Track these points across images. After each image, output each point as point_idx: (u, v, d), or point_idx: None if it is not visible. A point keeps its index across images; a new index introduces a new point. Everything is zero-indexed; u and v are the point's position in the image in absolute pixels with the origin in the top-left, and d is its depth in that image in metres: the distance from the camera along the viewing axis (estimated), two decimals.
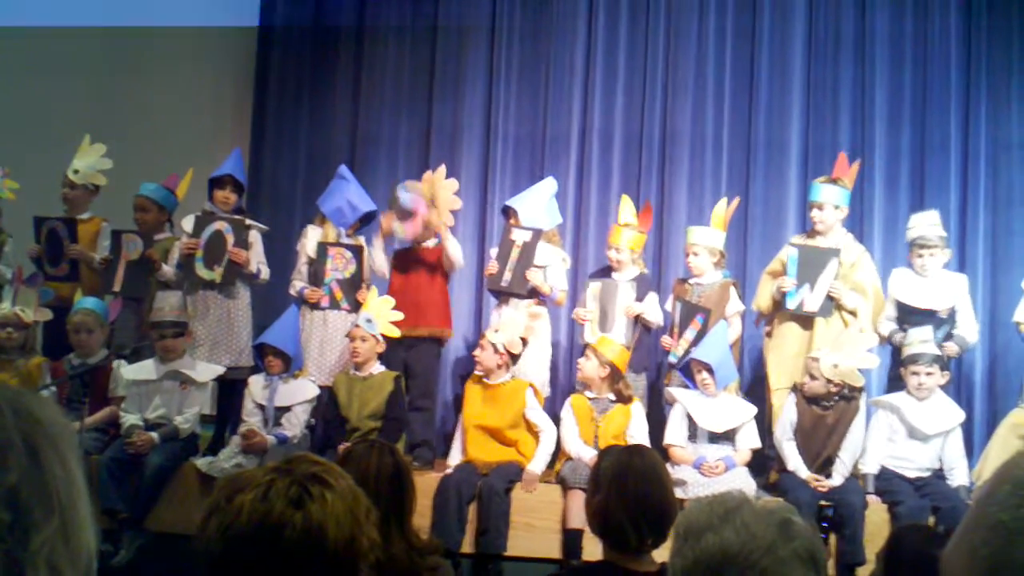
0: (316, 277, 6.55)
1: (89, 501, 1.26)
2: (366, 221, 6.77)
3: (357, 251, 6.56)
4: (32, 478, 1.18)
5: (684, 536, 1.69)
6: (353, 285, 6.53)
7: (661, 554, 2.43)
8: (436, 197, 6.49)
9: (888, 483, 5.68)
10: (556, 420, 6.03)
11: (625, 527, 2.84)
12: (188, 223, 6.61)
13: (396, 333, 6.17)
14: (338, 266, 6.53)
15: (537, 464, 5.87)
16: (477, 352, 6.09)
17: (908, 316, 6.14)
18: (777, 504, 1.71)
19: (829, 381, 5.71)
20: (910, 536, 3.08)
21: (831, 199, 6.15)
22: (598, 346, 5.96)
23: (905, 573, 2.83)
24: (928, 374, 5.76)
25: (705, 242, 6.34)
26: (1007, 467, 1.03)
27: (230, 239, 6.48)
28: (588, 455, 5.70)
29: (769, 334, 6.38)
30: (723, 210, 6.46)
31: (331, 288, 6.52)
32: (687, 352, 6.08)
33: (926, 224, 6.20)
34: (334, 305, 6.52)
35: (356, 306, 6.50)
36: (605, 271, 6.62)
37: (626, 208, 6.58)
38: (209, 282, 6.45)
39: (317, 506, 1.53)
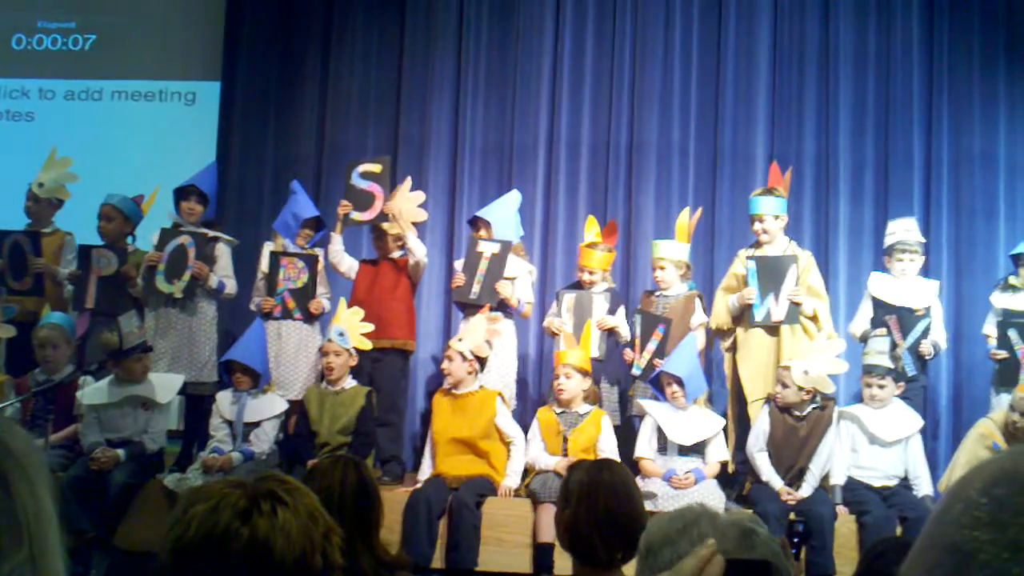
0: (269, 287, 6.51)
1: (60, 530, 1.24)
2: (318, 229, 6.73)
3: (310, 261, 6.52)
4: (1, 506, 1.17)
5: (645, 553, 1.71)
6: (306, 295, 6.49)
7: (632, 569, 2.46)
8: (400, 210, 6.47)
9: (855, 493, 5.72)
10: (525, 431, 6.04)
11: (595, 542, 2.83)
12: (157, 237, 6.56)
13: (368, 345, 6.15)
14: (290, 275, 6.49)
15: (512, 480, 5.86)
16: (445, 364, 6.06)
17: (894, 315, 6.24)
18: (739, 515, 1.71)
19: (801, 388, 5.75)
20: (886, 552, 3.07)
21: (770, 210, 6.27)
22: (568, 360, 5.95)
23: None
24: (880, 386, 5.87)
25: (672, 256, 6.37)
26: (961, 485, 1.01)
27: (192, 253, 6.42)
28: (552, 462, 5.76)
29: (729, 349, 6.41)
30: (686, 221, 6.48)
31: (283, 298, 6.47)
32: (650, 363, 6.10)
33: (904, 229, 6.37)
34: (286, 315, 6.47)
35: (308, 316, 6.49)
36: (577, 284, 6.60)
37: (592, 228, 6.59)
38: (168, 296, 6.39)
39: (265, 520, 1.53)
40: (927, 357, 6.23)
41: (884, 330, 6.15)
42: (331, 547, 1.60)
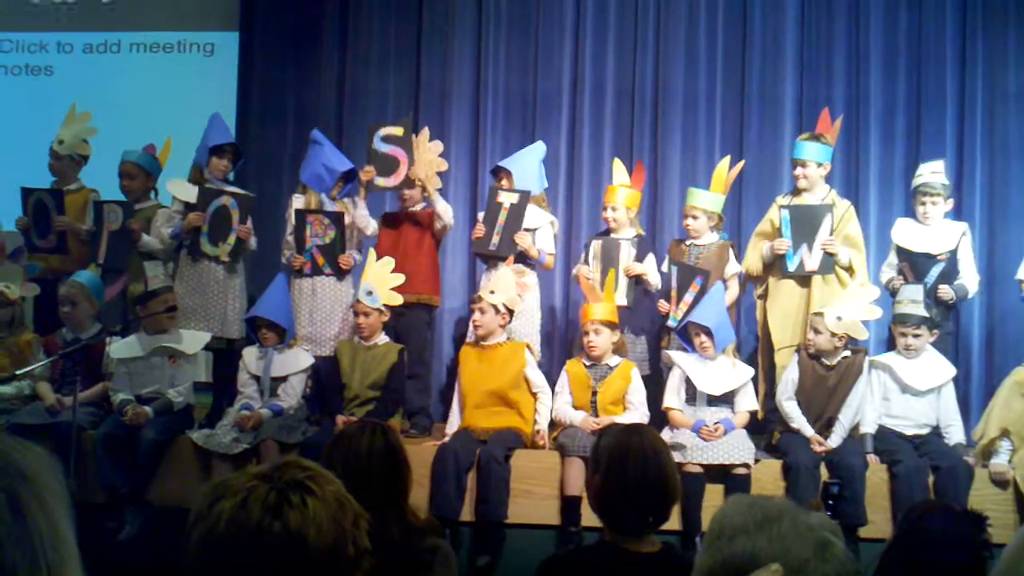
0: (298, 244, 6.45)
1: (78, 556, 1.22)
2: (348, 180, 6.65)
3: (336, 217, 6.45)
4: (16, 534, 1.15)
5: (718, 535, 1.68)
6: (334, 251, 6.43)
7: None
8: (420, 161, 6.41)
9: (887, 442, 5.67)
10: (552, 383, 6.01)
11: (625, 508, 2.81)
12: (181, 190, 6.50)
13: (399, 301, 6.12)
14: (317, 232, 6.41)
15: (543, 423, 5.86)
16: (477, 316, 5.97)
17: (906, 261, 6.17)
18: (819, 521, 1.69)
19: (834, 335, 5.68)
20: (925, 515, 3.00)
21: (814, 156, 6.14)
22: (596, 315, 5.89)
23: (922, 552, 2.76)
24: (916, 335, 5.77)
25: (706, 206, 6.25)
26: None
27: (236, 215, 6.40)
28: (579, 418, 5.75)
29: (761, 296, 6.33)
30: (725, 171, 6.36)
31: (312, 254, 6.41)
32: (687, 315, 6.02)
33: (930, 172, 6.23)
34: (316, 271, 6.41)
35: (339, 272, 6.44)
36: (605, 232, 6.50)
37: (619, 171, 6.50)
38: (214, 258, 6.37)
39: (297, 513, 1.50)
40: (948, 302, 6.10)
41: (903, 278, 6.08)
42: (360, 533, 1.59)
